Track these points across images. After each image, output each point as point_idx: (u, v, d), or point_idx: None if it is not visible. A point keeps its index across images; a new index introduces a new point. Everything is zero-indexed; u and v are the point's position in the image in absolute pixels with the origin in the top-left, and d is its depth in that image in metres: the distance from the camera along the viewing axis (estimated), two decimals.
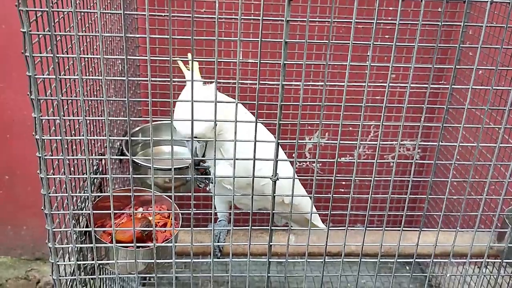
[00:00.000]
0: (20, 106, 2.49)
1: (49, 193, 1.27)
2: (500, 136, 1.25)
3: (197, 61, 1.63)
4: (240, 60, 1.12)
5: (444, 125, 1.20)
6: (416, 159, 2.80)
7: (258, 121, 1.22)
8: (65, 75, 1.33)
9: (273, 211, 1.34)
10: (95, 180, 1.69)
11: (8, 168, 2.66)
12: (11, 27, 2.35)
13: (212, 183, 1.67)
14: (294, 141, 1.26)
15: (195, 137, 1.42)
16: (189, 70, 1.61)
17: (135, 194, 1.31)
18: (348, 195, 1.30)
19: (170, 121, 1.21)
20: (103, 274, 1.75)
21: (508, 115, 2.00)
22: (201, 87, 1.46)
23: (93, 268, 1.42)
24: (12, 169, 2.66)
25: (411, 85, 1.19)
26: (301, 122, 1.22)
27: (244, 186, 1.61)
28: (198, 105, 1.18)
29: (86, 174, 1.24)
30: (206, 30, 2.36)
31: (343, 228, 1.39)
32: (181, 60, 1.59)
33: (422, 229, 1.40)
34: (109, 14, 1.89)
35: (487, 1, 1.08)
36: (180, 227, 1.60)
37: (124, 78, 1.12)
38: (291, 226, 1.80)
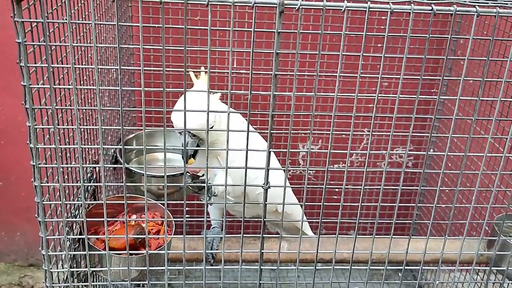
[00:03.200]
0: (15, 112, 2.50)
1: (43, 200, 1.28)
2: (487, 145, 1.27)
3: (205, 71, 1.62)
4: (232, 70, 1.13)
5: (432, 134, 1.22)
6: (408, 167, 2.83)
7: (255, 130, 1.24)
8: (59, 84, 1.34)
9: (265, 219, 1.35)
10: (89, 187, 1.70)
11: (3, 174, 2.66)
12: (7, 33, 2.36)
13: (213, 194, 1.68)
14: (286, 149, 1.27)
15: (189, 132, 1.44)
16: (198, 79, 1.62)
17: (128, 201, 1.32)
18: (342, 203, 1.32)
19: (163, 129, 1.23)
20: (96, 281, 1.76)
21: (498, 125, 2.04)
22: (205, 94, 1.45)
23: (86, 275, 1.43)
24: (6, 175, 2.66)
25: (403, 94, 1.21)
26: (294, 130, 1.24)
27: (240, 194, 1.62)
28: (197, 102, 1.21)
29: (80, 182, 1.25)
30: (201, 38, 2.38)
31: (335, 235, 1.41)
32: (193, 71, 1.61)
33: (412, 236, 1.41)
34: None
35: (474, 14, 1.10)
36: (174, 234, 1.61)
37: (118, 88, 1.13)
38: (282, 234, 1.81)
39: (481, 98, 1.21)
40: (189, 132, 1.49)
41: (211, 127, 1.53)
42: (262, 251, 1.42)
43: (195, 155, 1.60)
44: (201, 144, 1.58)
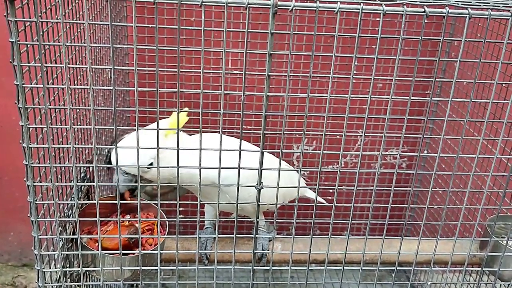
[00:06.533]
0: (9, 112, 2.49)
1: (36, 200, 1.28)
2: (479, 147, 1.28)
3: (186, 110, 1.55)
4: (226, 71, 1.14)
5: (425, 135, 1.23)
6: (402, 168, 2.84)
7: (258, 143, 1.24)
8: (53, 83, 1.34)
9: (257, 220, 1.35)
10: (82, 187, 1.69)
11: None
12: (1, 32, 2.35)
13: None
14: (279, 150, 1.28)
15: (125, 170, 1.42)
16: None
17: (122, 201, 1.32)
18: (337, 204, 1.33)
19: (157, 129, 1.23)
20: (89, 281, 1.75)
21: (491, 126, 2.05)
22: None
23: (79, 275, 1.42)
24: (0, 175, 2.65)
25: (399, 95, 1.21)
26: (288, 131, 1.24)
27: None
28: (135, 141, 1.21)
29: (73, 182, 1.25)
30: (196, 38, 2.38)
31: (329, 236, 1.41)
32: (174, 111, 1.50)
33: (405, 237, 1.42)
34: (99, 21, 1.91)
35: (466, 16, 1.11)
36: (169, 234, 1.61)
37: (111, 88, 1.13)
38: (276, 231, 1.81)
39: (473, 100, 1.22)
40: (121, 169, 1.45)
41: (150, 164, 1.46)
42: (255, 251, 1.42)
43: (134, 190, 1.54)
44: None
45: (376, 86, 2.61)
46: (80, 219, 1.33)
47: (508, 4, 1.24)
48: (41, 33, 1.13)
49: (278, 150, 2.64)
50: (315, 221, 1.37)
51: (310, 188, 2.23)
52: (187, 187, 1.68)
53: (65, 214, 1.54)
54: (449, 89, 2.54)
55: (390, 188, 1.35)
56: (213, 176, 1.36)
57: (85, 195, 1.72)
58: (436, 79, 1.65)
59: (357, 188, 1.32)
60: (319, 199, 2.12)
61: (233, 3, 1.09)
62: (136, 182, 1.43)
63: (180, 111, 1.41)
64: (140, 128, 1.20)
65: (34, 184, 1.26)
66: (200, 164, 1.24)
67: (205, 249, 1.77)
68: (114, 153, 1.39)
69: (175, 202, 1.30)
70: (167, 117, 1.60)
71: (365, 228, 2.94)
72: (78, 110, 1.64)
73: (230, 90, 2.52)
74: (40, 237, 1.33)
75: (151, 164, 1.45)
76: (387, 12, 1.10)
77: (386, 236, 1.45)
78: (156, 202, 1.46)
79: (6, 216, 2.74)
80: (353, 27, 2.36)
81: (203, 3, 1.07)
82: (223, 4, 1.08)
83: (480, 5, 1.20)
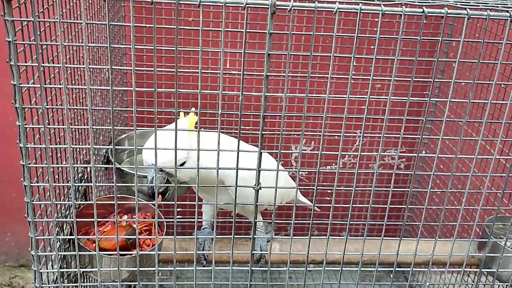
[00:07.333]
0: (7, 112, 2.48)
1: (33, 200, 1.27)
2: (477, 147, 1.27)
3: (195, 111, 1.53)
4: (224, 71, 1.13)
5: (423, 136, 1.22)
6: (400, 169, 2.84)
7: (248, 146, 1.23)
8: (50, 83, 1.34)
9: (256, 221, 1.35)
10: (80, 187, 1.69)
11: None
12: None
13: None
14: (277, 150, 1.27)
15: (159, 168, 1.40)
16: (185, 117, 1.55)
17: (119, 202, 1.32)
18: (336, 204, 1.33)
19: (155, 129, 1.23)
20: (86, 282, 1.75)
21: (490, 127, 2.05)
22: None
23: (77, 276, 1.42)
24: None
25: (397, 96, 1.21)
26: (286, 132, 1.24)
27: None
28: (168, 139, 1.22)
29: (70, 182, 1.25)
30: (194, 38, 2.38)
31: (328, 237, 1.41)
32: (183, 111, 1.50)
33: (403, 238, 1.42)
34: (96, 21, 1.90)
35: (465, 17, 1.10)
36: (166, 234, 1.60)
37: (109, 88, 1.13)
38: (274, 232, 1.81)
39: (471, 101, 1.22)
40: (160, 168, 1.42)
41: (183, 163, 1.46)
42: (253, 252, 1.42)
43: (165, 192, 1.52)
44: (171, 181, 1.50)
45: (374, 87, 2.61)
46: (78, 219, 1.33)
47: (507, 4, 1.24)
48: (38, 32, 1.13)
49: (276, 151, 2.64)
50: (313, 221, 1.37)
51: (307, 189, 2.24)
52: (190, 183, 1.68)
53: (63, 215, 1.54)
54: (447, 89, 2.54)
55: (389, 189, 1.35)
56: (221, 174, 1.37)
57: (83, 196, 1.71)
58: (435, 80, 1.65)
59: (356, 188, 1.32)
60: (307, 201, 2.11)
61: (231, 3, 1.09)
62: (168, 181, 1.48)
63: (181, 111, 1.41)
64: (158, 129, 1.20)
65: (31, 184, 1.25)
66: (198, 164, 1.24)
67: (203, 250, 1.77)
68: (147, 152, 1.39)
69: (172, 202, 1.30)
70: (167, 117, 1.59)
71: (363, 228, 2.93)
72: (75, 110, 1.64)
73: (228, 90, 2.52)
74: (37, 237, 1.33)
75: (184, 162, 1.46)
76: (385, 12, 1.10)
77: (385, 236, 1.45)
78: (153, 202, 1.46)
79: (3, 216, 2.73)
80: (352, 27, 2.36)
81: (201, 3, 1.07)
82: (221, 4, 1.08)
83: (478, 6, 1.20)
